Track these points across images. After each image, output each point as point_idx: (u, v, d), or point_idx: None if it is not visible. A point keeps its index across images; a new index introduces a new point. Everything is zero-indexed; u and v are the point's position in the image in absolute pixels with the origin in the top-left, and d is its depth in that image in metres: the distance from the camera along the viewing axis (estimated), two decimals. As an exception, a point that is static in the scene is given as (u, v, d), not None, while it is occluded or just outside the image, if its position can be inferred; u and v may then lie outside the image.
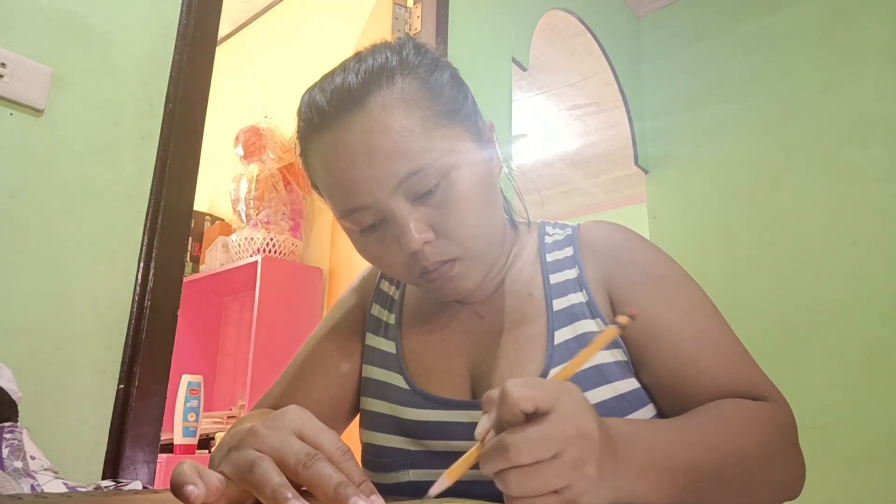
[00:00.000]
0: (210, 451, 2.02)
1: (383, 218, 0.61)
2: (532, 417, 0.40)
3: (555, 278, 0.69)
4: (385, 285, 0.81)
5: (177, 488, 0.38)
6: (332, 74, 0.63)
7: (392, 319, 0.76)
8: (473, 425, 0.63)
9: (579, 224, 0.74)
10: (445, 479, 0.43)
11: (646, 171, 2.83)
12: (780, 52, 2.50)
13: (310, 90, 0.65)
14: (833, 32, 2.38)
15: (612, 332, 0.46)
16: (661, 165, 2.80)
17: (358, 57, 0.63)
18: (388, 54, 0.61)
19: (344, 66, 0.62)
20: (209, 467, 0.60)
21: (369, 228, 0.62)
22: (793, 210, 2.34)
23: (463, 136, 0.62)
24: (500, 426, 0.41)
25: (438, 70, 0.64)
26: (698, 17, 2.79)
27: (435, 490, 0.43)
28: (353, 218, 0.61)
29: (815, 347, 2.17)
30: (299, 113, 0.65)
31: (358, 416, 0.77)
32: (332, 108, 0.60)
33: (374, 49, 0.63)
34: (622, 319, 0.46)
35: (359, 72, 0.60)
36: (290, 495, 0.38)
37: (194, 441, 1.86)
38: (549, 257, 0.72)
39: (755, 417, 0.56)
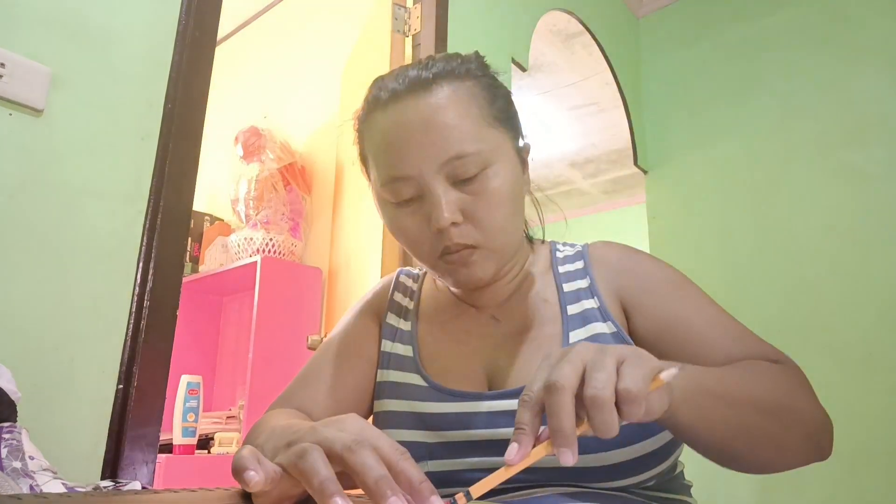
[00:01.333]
0: (209, 452, 2.02)
1: (421, 194, 0.66)
2: None
3: (568, 287, 0.74)
4: (398, 296, 0.83)
5: (238, 472, 0.40)
6: (403, 69, 0.70)
7: (408, 326, 0.79)
8: (491, 415, 0.67)
9: (587, 243, 0.81)
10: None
11: (645, 172, 2.83)
12: (780, 52, 2.50)
13: (381, 77, 0.72)
14: (833, 32, 2.38)
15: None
16: (661, 165, 2.80)
17: (429, 59, 0.71)
18: (459, 62, 0.70)
19: (417, 63, 0.70)
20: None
21: (405, 202, 0.68)
22: (793, 210, 2.34)
23: (507, 142, 0.70)
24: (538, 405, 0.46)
25: (498, 85, 0.73)
26: (698, 17, 2.79)
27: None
28: (394, 187, 0.67)
29: (815, 347, 2.17)
30: (369, 92, 0.72)
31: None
32: (403, 88, 0.67)
33: (447, 56, 0.72)
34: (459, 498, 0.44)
35: (431, 68, 0.68)
36: (334, 489, 0.38)
37: (193, 441, 1.86)
38: (562, 269, 0.77)
39: (777, 370, 0.62)
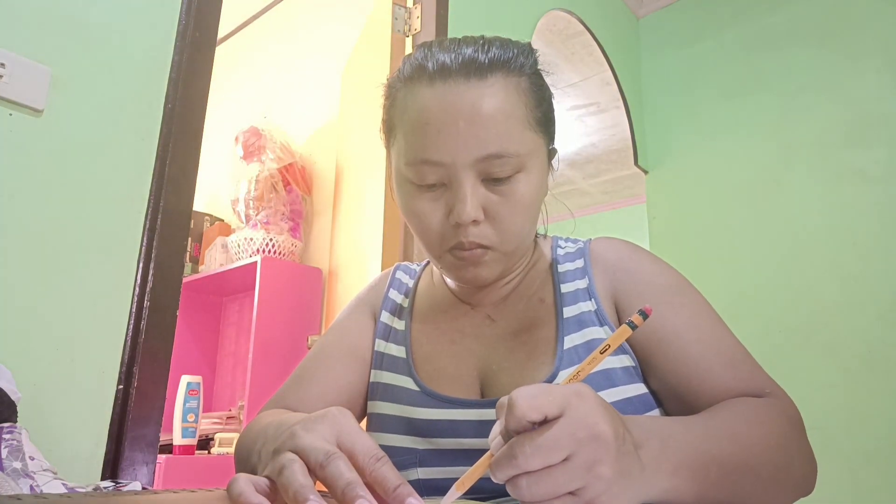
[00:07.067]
0: (209, 452, 2.01)
1: (447, 182, 0.64)
2: (542, 423, 0.40)
3: (565, 287, 0.72)
4: (394, 293, 0.82)
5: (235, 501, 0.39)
6: (456, 42, 0.66)
7: (402, 326, 0.77)
8: (482, 423, 0.65)
9: (591, 239, 0.78)
10: (455, 490, 0.42)
11: (645, 172, 2.83)
12: (780, 52, 2.50)
13: (428, 45, 0.67)
14: (833, 32, 2.38)
15: (625, 330, 0.47)
16: (661, 165, 2.80)
17: (485, 40, 0.66)
18: (515, 53, 0.66)
19: (473, 41, 0.66)
20: (236, 458, 0.65)
21: (427, 186, 0.65)
22: (793, 210, 2.34)
23: (542, 148, 0.68)
24: (509, 434, 0.41)
25: (545, 86, 0.69)
26: (698, 17, 2.79)
27: (446, 501, 0.42)
28: (420, 170, 0.64)
29: (815, 348, 2.17)
30: (411, 57, 0.67)
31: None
32: (455, 66, 0.63)
33: (503, 41, 0.67)
34: (636, 318, 0.46)
35: (488, 51, 0.64)
36: (311, 497, 0.38)
37: (193, 442, 1.86)
38: (561, 268, 0.75)
39: (768, 412, 0.58)
